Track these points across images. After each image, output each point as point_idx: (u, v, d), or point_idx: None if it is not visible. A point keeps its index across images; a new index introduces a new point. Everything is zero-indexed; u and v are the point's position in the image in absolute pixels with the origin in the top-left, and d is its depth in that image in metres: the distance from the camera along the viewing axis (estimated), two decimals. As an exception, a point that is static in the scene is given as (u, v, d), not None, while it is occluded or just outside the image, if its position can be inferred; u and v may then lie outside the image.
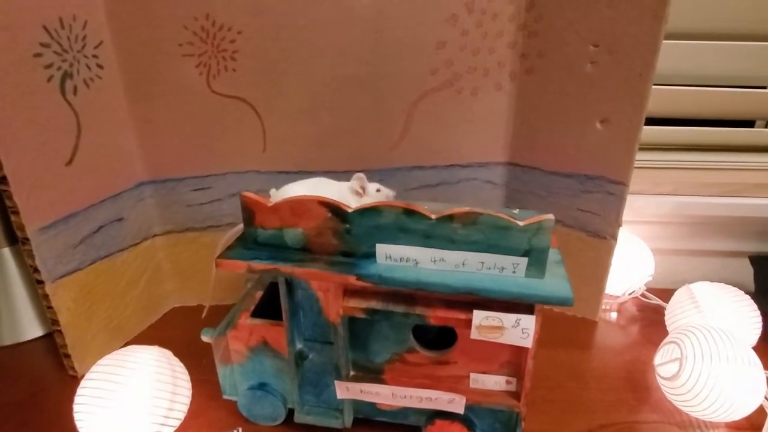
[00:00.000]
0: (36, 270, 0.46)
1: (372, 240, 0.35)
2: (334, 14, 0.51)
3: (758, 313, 0.52)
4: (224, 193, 0.58)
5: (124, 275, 0.55)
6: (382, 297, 0.37)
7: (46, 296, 0.47)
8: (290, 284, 0.38)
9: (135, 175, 0.55)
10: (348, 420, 0.43)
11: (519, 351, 0.38)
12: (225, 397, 0.45)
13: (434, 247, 0.34)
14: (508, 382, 0.39)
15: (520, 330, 0.34)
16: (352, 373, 0.41)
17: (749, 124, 0.72)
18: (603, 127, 0.52)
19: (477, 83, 0.55)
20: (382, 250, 0.35)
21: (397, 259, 0.35)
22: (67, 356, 0.50)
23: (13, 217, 0.44)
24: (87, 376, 0.40)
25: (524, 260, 0.34)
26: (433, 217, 0.34)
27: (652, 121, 0.64)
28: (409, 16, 0.51)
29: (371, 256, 0.36)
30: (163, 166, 0.56)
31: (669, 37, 0.59)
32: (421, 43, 0.53)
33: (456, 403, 0.39)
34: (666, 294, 0.63)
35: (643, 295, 0.63)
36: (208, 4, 0.49)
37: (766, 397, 0.44)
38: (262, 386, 0.44)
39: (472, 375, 0.39)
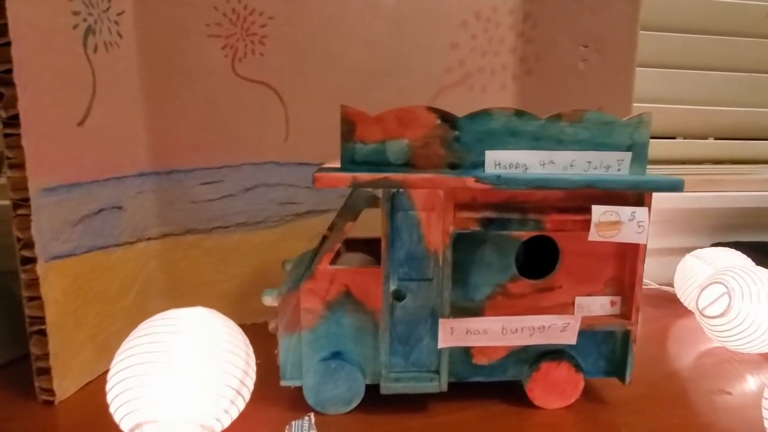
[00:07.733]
0: (29, 245, 0.36)
1: (481, 147, 0.35)
2: (362, 8, 0.54)
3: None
4: (238, 187, 0.53)
5: (117, 276, 0.45)
6: (493, 208, 0.35)
7: (35, 281, 0.37)
8: (392, 205, 0.35)
9: (137, 162, 0.48)
10: (444, 381, 0.37)
11: (621, 265, 0.37)
12: (284, 383, 0.37)
13: (543, 149, 0.35)
14: (612, 303, 0.38)
15: (635, 224, 0.34)
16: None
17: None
18: (599, 116, 0.59)
19: (486, 82, 0.60)
20: (491, 157, 0.35)
21: (507, 165, 0.35)
22: (46, 372, 0.38)
23: (15, 173, 0.36)
24: (133, 334, 0.30)
25: (628, 155, 0.35)
26: (543, 118, 0.35)
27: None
28: (427, 19, 0.56)
29: (479, 165, 0.35)
30: (171, 155, 0.50)
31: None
32: (437, 43, 0.57)
33: (570, 329, 0.36)
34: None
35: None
36: (241, -12, 0.50)
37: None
38: (336, 356, 0.37)
39: (578, 300, 0.37)
